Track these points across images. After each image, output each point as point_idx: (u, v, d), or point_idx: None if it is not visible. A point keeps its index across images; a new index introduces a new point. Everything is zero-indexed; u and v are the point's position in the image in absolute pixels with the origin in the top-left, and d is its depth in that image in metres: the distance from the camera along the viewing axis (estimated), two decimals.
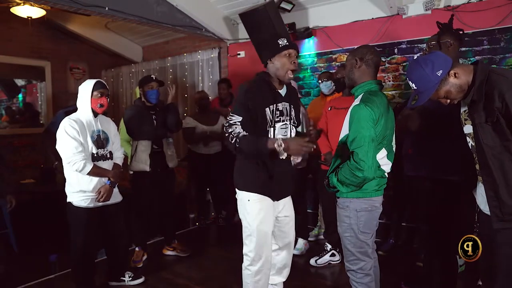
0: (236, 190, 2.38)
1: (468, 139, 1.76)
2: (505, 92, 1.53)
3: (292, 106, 2.34)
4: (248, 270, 2.34)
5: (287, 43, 2.22)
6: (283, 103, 2.30)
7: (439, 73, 1.65)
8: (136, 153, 3.43)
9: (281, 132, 2.28)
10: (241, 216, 2.37)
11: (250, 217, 2.29)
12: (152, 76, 3.51)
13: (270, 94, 2.26)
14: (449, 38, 2.38)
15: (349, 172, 1.92)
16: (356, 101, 2.02)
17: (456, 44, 2.40)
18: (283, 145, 2.06)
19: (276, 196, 2.35)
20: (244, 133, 2.15)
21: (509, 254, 1.63)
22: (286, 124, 2.30)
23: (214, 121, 4.39)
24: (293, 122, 2.36)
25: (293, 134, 2.35)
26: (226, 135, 2.20)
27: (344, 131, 2.06)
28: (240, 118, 2.19)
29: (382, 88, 2.14)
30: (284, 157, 2.20)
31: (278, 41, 2.21)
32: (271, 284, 2.67)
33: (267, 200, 2.31)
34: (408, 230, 3.73)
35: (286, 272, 2.64)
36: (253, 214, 2.28)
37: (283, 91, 2.33)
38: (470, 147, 1.76)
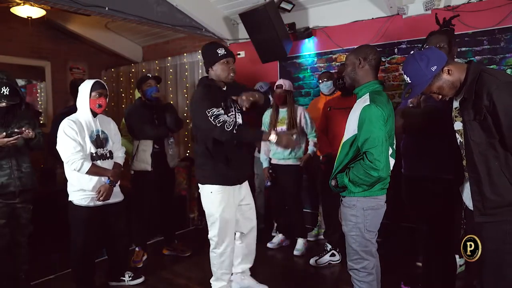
0: (200, 185, 2.67)
1: (457, 135, 1.81)
2: (493, 92, 1.58)
3: (231, 97, 2.62)
4: (214, 253, 2.66)
5: (225, 52, 2.54)
6: (226, 97, 2.61)
7: (433, 68, 1.71)
8: (137, 152, 3.44)
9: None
10: (204, 207, 2.67)
11: (214, 207, 2.60)
12: (148, 75, 3.56)
13: (219, 93, 2.58)
14: (441, 39, 2.35)
15: (363, 172, 1.93)
16: (365, 102, 2.00)
17: (446, 47, 2.35)
18: (275, 139, 2.40)
19: (234, 181, 2.64)
20: (240, 122, 2.53)
21: (492, 249, 1.67)
22: (233, 113, 2.61)
23: None
24: (238, 109, 2.66)
25: (240, 119, 2.65)
26: (219, 125, 2.39)
27: (351, 131, 2.04)
28: (219, 108, 2.46)
29: (384, 87, 2.16)
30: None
31: (217, 50, 2.53)
32: (239, 273, 2.87)
33: (227, 190, 2.61)
34: (408, 230, 3.73)
35: (251, 259, 2.90)
36: (216, 204, 2.59)
37: (225, 88, 2.66)
38: (459, 143, 1.81)
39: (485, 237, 1.69)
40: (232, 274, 2.83)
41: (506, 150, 1.63)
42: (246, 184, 2.78)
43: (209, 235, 2.67)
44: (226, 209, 2.60)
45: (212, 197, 2.59)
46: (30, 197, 2.86)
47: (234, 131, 2.39)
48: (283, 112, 3.63)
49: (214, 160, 2.56)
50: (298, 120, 3.57)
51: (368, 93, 2.04)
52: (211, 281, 2.74)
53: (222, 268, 2.66)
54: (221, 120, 2.40)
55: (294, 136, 2.51)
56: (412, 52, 1.82)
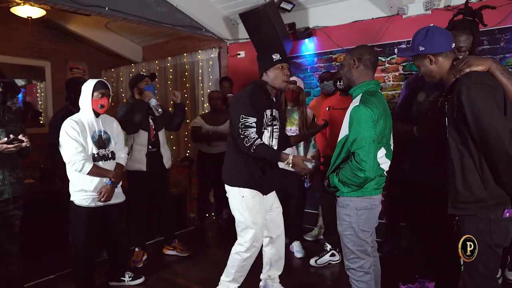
0: (228, 187, 2.57)
1: (447, 131, 1.86)
2: (462, 91, 1.66)
3: (279, 113, 2.63)
4: (239, 255, 2.57)
5: (280, 58, 2.48)
6: (275, 109, 2.57)
7: (421, 48, 1.81)
8: (132, 152, 3.40)
9: (274, 135, 2.57)
10: (235, 211, 2.56)
11: (246, 212, 2.50)
12: (142, 73, 3.57)
13: (267, 99, 2.52)
14: (463, 39, 2.24)
15: (351, 172, 1.95)
16: (355, 102, 2.02)
17: (466, 51, 2.24)
18: (291, 163, 2.35)
19: (265, 191, 2.59)
20: (260, 141, 2.39)
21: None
22: (277, 128, 2.60)
23: (222, 122, 4.38)
24: (281, 127, 2.70)
25: (276, 137, 2.62)
26: (242, 137, 2.37)
27: (343, 131, 2.06)
28: (254, 119, 2.39)
29: (380, 88, 2.15)
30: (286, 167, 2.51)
31: (272, 55, 2.49)
32: (269, 279, 2.80)
33: (258, 194, 2.54)
34: (408, 231, 3.73)
35: (281, 264, 2.81)
36: (248, 209, 2.50)
37: (275, 99, 2.60)
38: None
39: (464, 232, 1.75)
40: (261, 280, 2.84)
41: (476, 148, 1.67)
42: (273, 193, 2.74)
43: (239, 240, 2.58)
44: (258, 214, 2.52)
45: (245, 202, 2.49)
46: (21, 204, 2.69)
47: (252, 150, 2.35)
48: (292, 111, 3.54)
49: (250, 166, 2.49)
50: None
51: (361, 94, 2.04)
52: (223, 279, 2.68)
53: (241, 271, 2.60)
54: (245, 133, 2.37)
55: (310, 165, 2.41)
56: (432, 25, 1.85)
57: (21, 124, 2.73)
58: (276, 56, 2.48)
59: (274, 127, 2.56)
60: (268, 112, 2.49)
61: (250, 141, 2.35)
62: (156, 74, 3.83)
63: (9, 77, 2.62)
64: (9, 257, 2.63)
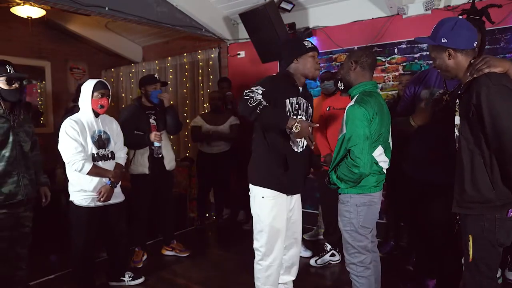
0: (250, 185, 2.45)
1: (455, 130, 1.86)
2: (481, 92, 1.63)
3: (309, 104, 2.51)
4: (259, 265, 2.44)
5: (313, 46, 2.40)
6: (301, 98, 2.44)
7: (443, 40, 1.75)
8: (135, 156, 3.42)
9: None
10: (253, 211, 2.45)
11: (263, 214, 2.38)
12: (155, 76, 3.51)
13: (292, 88, 2.40)
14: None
15: (347, 169, 2.05)
16: (351, 102, 2.12)
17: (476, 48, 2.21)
18: (298, 127, 2.12)
19: (289, 191, 2.44)
20: (265, 103, 2.16)
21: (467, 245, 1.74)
22: (301, 118, 2.40)
23: (221, 122, 4.38)
24: (311, 120, 2.55)
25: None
26: (245, 97, 2.17)
27: (342, 131, 2.15)
28: (263, 89, 2.21)
29: (378, 88, 2.20)
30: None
31: (304, 42, 2.40)
32: (282, 283, 2.70)
33: (281, 196, 2.39)
34: (408, 231, 3.72)
35: (294, 271, 2.71)
36: (266, 210, 2.37)
37: (302, 89, 2.48)
38: (456, 137, 1.86)
39: (467, 231, 1.76)
40: None
41: (489, 149, 1.66)
42: (297, 196, 2.56)
43: (254, 245, 2.45)
44: (277, 218, 2.36)
45: (263, 203, 2.36)
46: (32, 205, 2.66)
47: (258, 111, 2.12)
48: None
49: (271, 162, 2.34)
50: None
51: (358, 94, 2.14)
52: None
53: (267, 284, 2.42)
54: (250, 95, 2.17)
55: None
56: (460, 16, 1.81)
57: (32, 124, 2.70)
58: (308, 43, 2.39)
59: (299, 117, 2.36)
60: (293, 100, 2.35)
61: (256, 101, 2.13)
62: (168, 82, 3.75)
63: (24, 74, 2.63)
64: (18, 260, 2.58)
